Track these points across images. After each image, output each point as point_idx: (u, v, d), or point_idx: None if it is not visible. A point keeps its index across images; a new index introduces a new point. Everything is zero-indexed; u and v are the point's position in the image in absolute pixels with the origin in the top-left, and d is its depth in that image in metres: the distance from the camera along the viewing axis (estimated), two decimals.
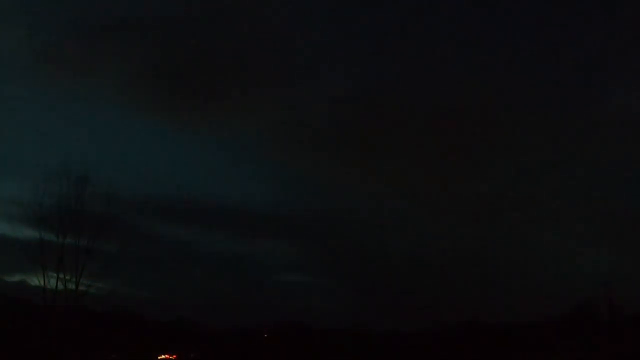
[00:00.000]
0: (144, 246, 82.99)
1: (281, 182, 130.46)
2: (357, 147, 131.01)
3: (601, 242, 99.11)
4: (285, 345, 74.47)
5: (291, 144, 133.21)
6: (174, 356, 71.22)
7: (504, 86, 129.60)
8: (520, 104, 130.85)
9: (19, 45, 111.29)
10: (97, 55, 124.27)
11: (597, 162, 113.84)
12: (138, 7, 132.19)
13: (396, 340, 75.11)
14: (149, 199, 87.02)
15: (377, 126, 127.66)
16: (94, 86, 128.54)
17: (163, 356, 70.49)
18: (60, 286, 43.87)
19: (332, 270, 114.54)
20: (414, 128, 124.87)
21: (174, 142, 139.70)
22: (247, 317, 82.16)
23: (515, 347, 65.18)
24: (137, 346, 64.61)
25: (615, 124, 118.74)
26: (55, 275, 43.76)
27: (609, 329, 62.02)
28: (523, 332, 68.29)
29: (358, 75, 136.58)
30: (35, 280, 44.07)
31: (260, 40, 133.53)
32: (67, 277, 43.84)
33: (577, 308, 68.00)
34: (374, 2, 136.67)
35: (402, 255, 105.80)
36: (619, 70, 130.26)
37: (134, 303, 68.31)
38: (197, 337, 75.11)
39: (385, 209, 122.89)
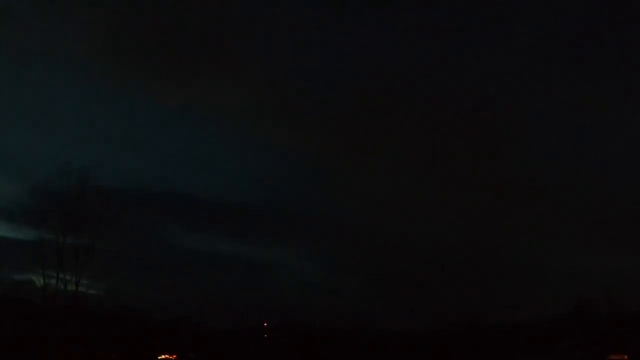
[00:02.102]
0: (144, 246, 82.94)
1: (281, 178, 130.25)
2: (360, 146, 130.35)
3: (602, 242, 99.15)
4: (285, 345, 74.51)
5: (291, 139, 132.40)
6: (174, 356, 71.23)
7: (516, 78, 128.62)
8: (525, 103, 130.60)
9: None
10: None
11: (598, 162, 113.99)
12: None
13: (396, 340, 75.17)
14: (148, 197, 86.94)
15: (381, 124, 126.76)
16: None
17: (163, 356, 70.50)
18: (61, 286, 43.97)
19: (332, 270, 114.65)
20: (419, 121, 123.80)
21: (168, 133, 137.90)
22: (247, 317, 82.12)
23: (516, 346, 65.23)
24: (137, 346, 64.60)
25: (617, 125, 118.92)
26: (55, 275, 43.85)
27: (609, 329, 62.06)
28: (523, 331, 68.36)
29: (366, 61, 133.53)
30: (35, 280, 44.20)
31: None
32: (67, 277, 43.94)
33: (577, 308, 68.08)
34: None
35: (403, 255, 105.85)
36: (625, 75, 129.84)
37: (134, 303, 68.18)
38: (197, 337, 75.09)
39: (386, 208, 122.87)
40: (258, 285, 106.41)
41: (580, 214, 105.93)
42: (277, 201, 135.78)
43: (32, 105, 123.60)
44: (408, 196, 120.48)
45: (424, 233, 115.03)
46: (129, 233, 56.74)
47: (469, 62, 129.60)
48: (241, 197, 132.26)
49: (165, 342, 71.07)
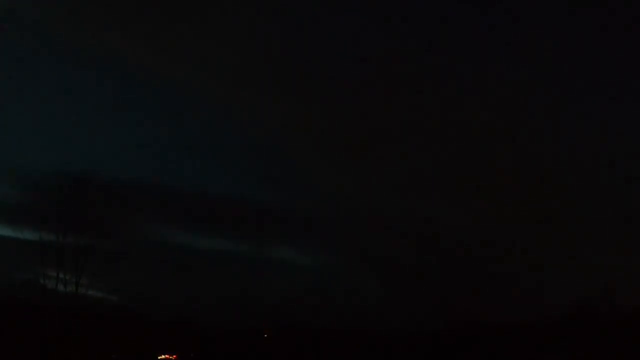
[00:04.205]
0: (144, 246, 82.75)
1: (281, 175, 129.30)
2: (365, 140, 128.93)
3: (601, 242, 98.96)
4: (286, 346, 74.48)
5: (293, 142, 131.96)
6: (174, 356, 71.24)
7: (520, 78, 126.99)
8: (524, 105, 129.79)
9: None
10: None
11: (598, 160, 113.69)
12: None
13: (396, 340, 75.17)
14: (148, 196, 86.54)
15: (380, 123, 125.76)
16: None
17: (163, 356, 70.50)
18: (61, 286, 44.07)
19: (334, 269, 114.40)
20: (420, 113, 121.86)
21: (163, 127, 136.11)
22: (247, 317, 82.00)
23: (514, 347, 65.21)
24: (137, 346, 64.63)
25: (613, 122, 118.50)
26: (55, 275, 43.96)
27: (609, 329, 62.04)
28: (523, 332, 68.32)
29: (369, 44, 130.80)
30: (35, 280, 44.28)
31: None
32: (67, 277, 44.03)
33: (577, 308, 68.05)
34: None
35: (403, 254, 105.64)
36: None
37: (134, 303, 68.18)
38: (197, 337, 75.09)
39: (387, 207, 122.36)
40: (258, 285, 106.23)
41: (579, 213, 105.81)
42: (278, 199, 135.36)
43: (31, 103, 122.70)
44: (409, 194, 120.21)
45: (424, 232, 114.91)
46: (129, 233, 56.84)
47: (475, 48, 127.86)
48: (242, 195, 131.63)
49: (165, 342, 71.09)
